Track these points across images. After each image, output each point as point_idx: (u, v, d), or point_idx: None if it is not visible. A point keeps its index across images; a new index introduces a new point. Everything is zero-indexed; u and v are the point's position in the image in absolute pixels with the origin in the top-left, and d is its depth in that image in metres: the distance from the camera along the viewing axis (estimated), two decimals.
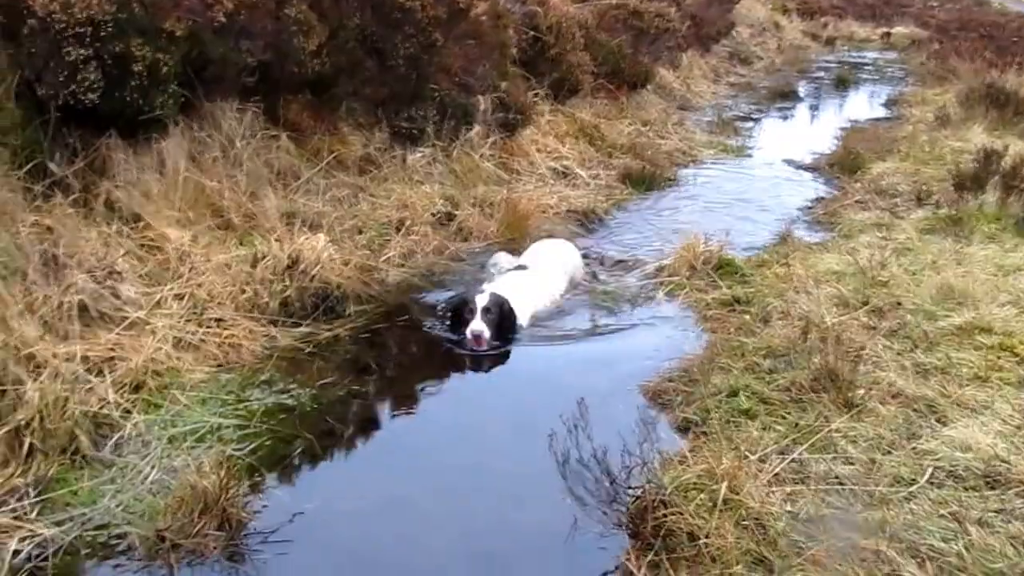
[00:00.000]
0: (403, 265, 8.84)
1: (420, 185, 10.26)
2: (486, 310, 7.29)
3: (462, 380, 7.20)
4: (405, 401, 6.57)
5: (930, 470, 5.39)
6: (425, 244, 9.21)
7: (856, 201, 11.81)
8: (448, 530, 5.20)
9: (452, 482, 5.71)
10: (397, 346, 7.53)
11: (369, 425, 6.32)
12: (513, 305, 7.56)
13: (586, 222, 10.98)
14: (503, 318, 7.40)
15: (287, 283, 7.60)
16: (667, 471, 5.26)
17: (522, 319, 7.72)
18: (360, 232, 9.04)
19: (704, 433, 5.96)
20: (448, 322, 7.66)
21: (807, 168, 14.43)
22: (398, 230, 9.26)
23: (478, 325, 7.20)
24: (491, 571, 4.86)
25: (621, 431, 5.39)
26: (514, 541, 5.12)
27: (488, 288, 7.71)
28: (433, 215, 9.65)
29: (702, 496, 5.06)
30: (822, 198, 12.60)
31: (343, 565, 4.89)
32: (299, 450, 5.86)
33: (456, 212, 9.85)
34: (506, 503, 5.43)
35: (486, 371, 7.30)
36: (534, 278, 8.28)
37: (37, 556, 4.72)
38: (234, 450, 5.66)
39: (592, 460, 4.95)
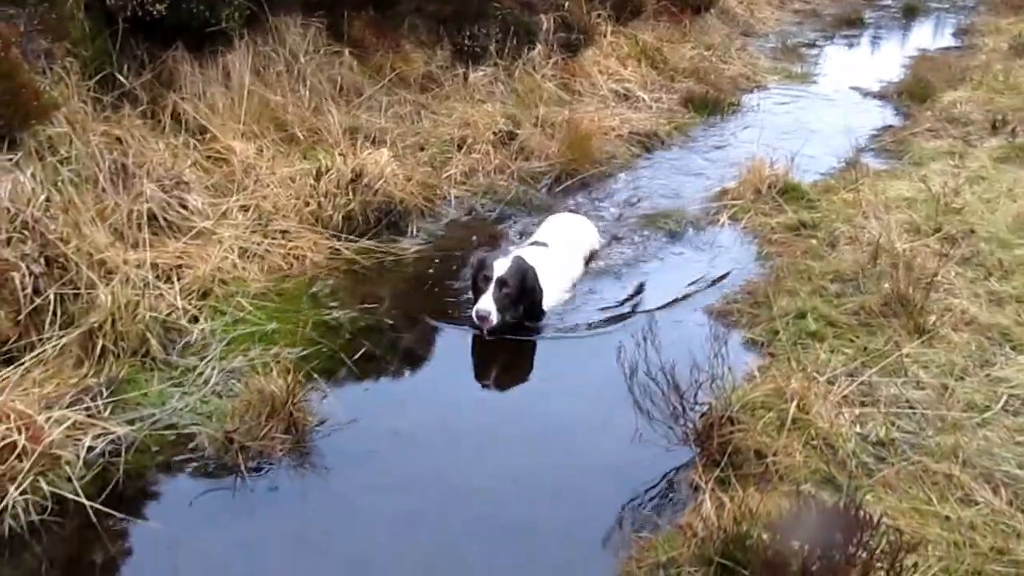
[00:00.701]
0: (464, 183, 8.79)
1: (481, 104, 10.16)
2: (501, 282, 6.02)
3: None
4: (467, 319, 6.53)
5: (1005, 397, 5.30)
6: (486, 163, 9.12)
7: (927, 129, 11.48)
8: (510, 447, 5.21)
9: (517, 397, 5.77)
10: (460, 263, 7.46)
11: (429, 342, 6.32)
12: (541, 281, 6.33)
13: (648, 145, 10.78)
14: (525, 292, 6.16)
15: (350, 197, 7.59)
16: (734, 390, 5.20)
17: (548, 301, 6.46)
18: (422, 149, 8.99)
19: (771, 354, 5.90)
20: (470, 287, 6.43)
21: (874, 96, 14.03)
22: (460, 148, 9.19)
23: (486, 304, 5.96)
24: (553, 485, 4.85)
25: (687, 349, 5.34)
26: (577, 455, 5.10)
27: (514, 252, 6.51)
28: (494, 134, 9.55)
29: (770, 415, 5.02)
30: (890, 126, 12.27)
31: (407, 481, 4.90)
32: (361, 363, 5.88)
33: (517, 132, 9.74)
34: (570, 418, 5.41)
35: None
36: (556, 257, 6.91)
37: (110, 453, 4.81)
38: (298, 358, 5.66)
39: (660, 375, 4.89)
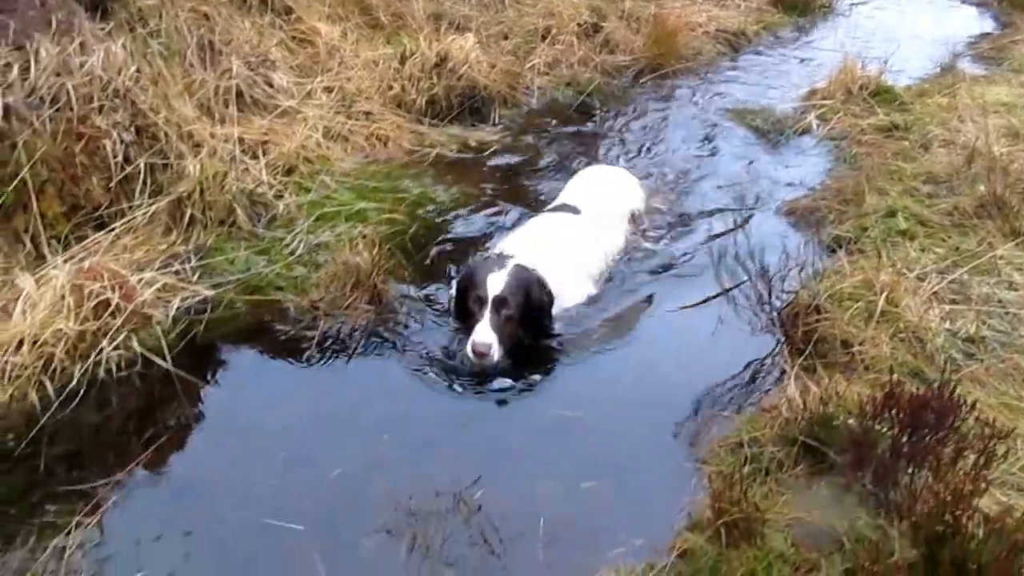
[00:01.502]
0: (547, 73, 8.66)
1: None
2: (499, 302, 4.59)
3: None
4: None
5: None
6: (570, 54, 8.96)
7: None
8: None
9: None
10: (539, 152, 7.39)
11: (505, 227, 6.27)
12: (553, 281, 4.90)
13: (734, 43, 10.50)
14: (530, 308, 4.75)
15: (434, 81, 7.55)
16: (821, 279, 5.13)
17: (569, 300, 5.09)
18: (506, 38, 8.85)
19: (859, 251, 5.77)
20: (454, 308, 4.98)
21: (973, 3, 13.50)
22: (543, 38, 9.04)
23: (483, 334, 4.53)
24: (636, 367, 4.85)
25: (774, 240, 5.26)
26: (658, 333, 5.08)
27: (510, 249, 5.08)
28: (579, 26, 9.35)
29: (857, 306, 4.92)
30: (989, 33, 11.80)
31: None
32: (439, 244, 5.90)
33: (603, 24, 9.53)
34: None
35: None
36: (586, 229, 5.52)
37: (196, 312, 4.93)
38: (384, 235, 5.67)
39: (748, 259, 4.83)
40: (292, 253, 5.49)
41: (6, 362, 4.22)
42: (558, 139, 7.66)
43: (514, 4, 9.45)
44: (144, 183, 5.59)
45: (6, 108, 5.17)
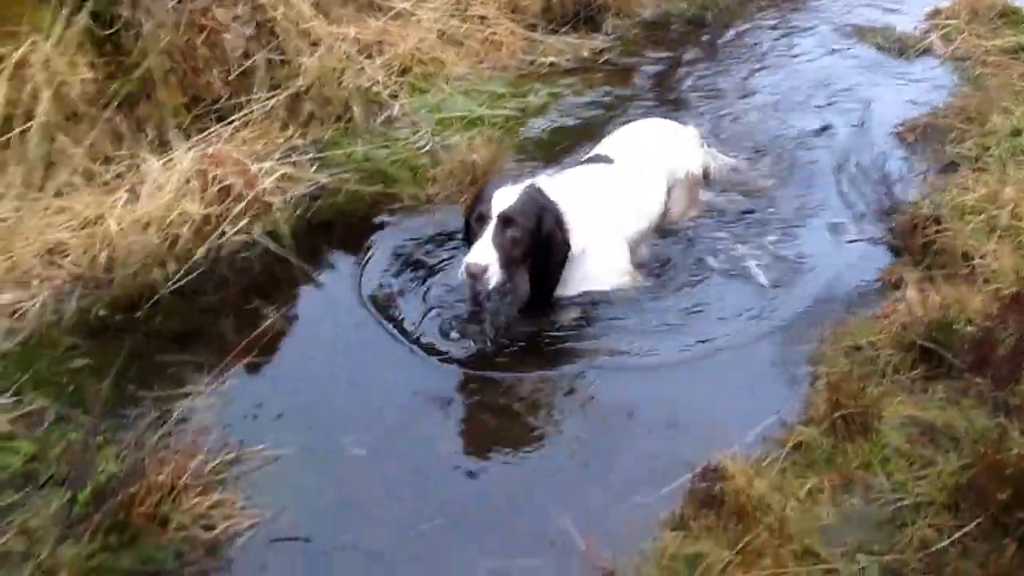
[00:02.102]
0: None
1: None
2: (505, 220, 3.98)
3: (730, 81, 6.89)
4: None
5: None
6: None
7: None
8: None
9: None
10: (654, 63, 7.22)
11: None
12: (577, 225, 4.22)
13: None
14: (539, 239, 4.07)
15: None
16: (942, 191, 4.92)
17: (595, 259, 4.35)
18: None
19: (981, 168, 5.50)
20: (463, 230, 4.36)
21: None
22: None
23: (481, 252, 3.91)
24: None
25: (893, 154, 5.07)
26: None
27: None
28: None
29: (979, 219, 4.70)
30: None
31: None
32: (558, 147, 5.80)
33: None
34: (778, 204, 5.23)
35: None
36: (620, 182, 4.73)
37: (313, 199, 4.99)
38: (498, 137, 5.61)
39: (870, 166, 4.65)
40: (409, 147, 5.47)
41: (134, 241, 4.27)
42: (669, 50, 7.46)
43: None
44: (262, 78, 5.60)
45: None
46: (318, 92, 5.61)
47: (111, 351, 3.83)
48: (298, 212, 4.85)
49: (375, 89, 5.95)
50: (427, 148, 5.47)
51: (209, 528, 3.01)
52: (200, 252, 4.37)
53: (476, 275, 3.85)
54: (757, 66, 7.29)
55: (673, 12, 8.23)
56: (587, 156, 5.12)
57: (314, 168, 5.18)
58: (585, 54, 7.17)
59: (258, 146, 5.25)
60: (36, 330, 3.96)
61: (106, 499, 2.92)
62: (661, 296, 4.42)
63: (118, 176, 4.79)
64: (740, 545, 2.82)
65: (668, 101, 6.46)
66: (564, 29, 7.35)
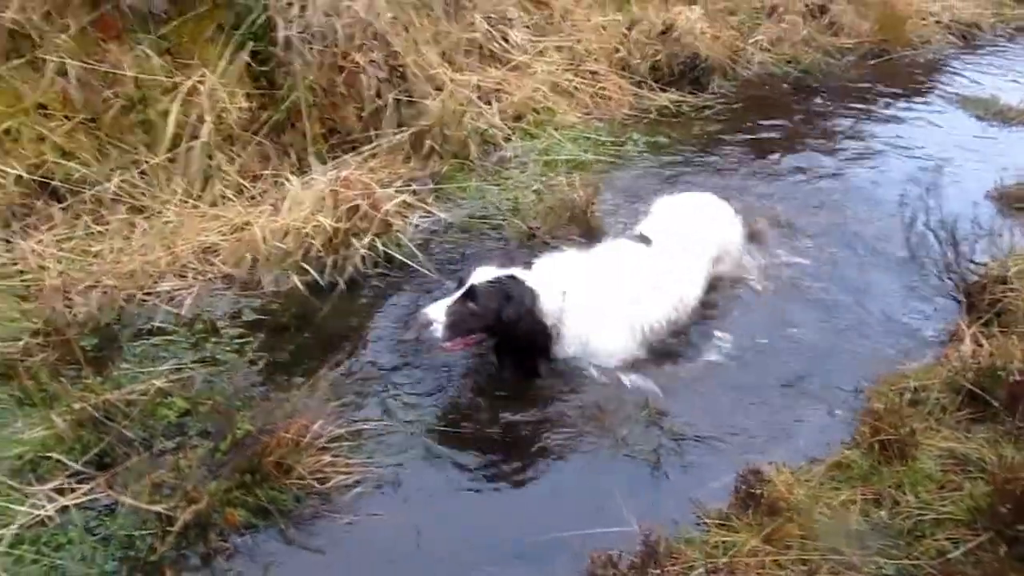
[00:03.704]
0: (769, 50, 8.91)
1: None
2: (470, 293, 4.22)
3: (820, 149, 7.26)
4: (759, 173, 6.77)
5: None
6: (794, 33, 9.17)
7: None
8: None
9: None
10: (753, 122, 7.69)
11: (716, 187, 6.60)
12: (577, 322, 4.41)
13: (967, 35, 10.41)
14: (506, 324, 4.25)
15: (658, 48, 7.97)
16: (1012, 256, 5.25)
17: (611, 344, 4.49)
18: (732, 14, 9.15)
19: None
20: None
21: None
22: (769, 16, 9.27)
23: (437, 310, 4.17)
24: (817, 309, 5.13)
25: (972, 216, 5.41)
26: (843, 291, 5.29)
27: (546, 267, 4.53)
28: (806, 6, 9.53)
29: None
30: None
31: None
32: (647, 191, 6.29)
33: (830, 6, 9.67)
34: (845, 258, 5.63)
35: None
36: (651, 268, 4.71)
37: (431, 230, 5.61)
38: (597, 179, 6.15)
39: (938, 226, 5.03)
40: (517, 185, 6.08)
41: (275, 248, 4.98)
42: (773, 112, 7.91)
43: None
44: (391, 116, 6.32)
45: (286, 40, 5.98)
46: (439, 131, 6.28)
47: (252, 336, 4.57)
48: (413, 234, 5.46)
49: (491, 131, 6.62)
50: (533, 187, 6.05)
51: (323, 480, 3.62)
52: (329, 262, 5.03)
53: (422, 324, 4.17)
54: (853, 127, 7.73)
55: (777, 74, 8.73)
56: (628, 234, 5.08)
57: (431, 198, 5.82)
58: (686, 110, 7.71)
59: (383, 174, 5.93)
60: (192, 314, 4.70)
61: (242, 448, 3.55)
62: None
63: (263, 192, 5.57)
64: (769, 534, 3.27)
65: (754, 163, 6.90)
66: (670, 88, 7.90)
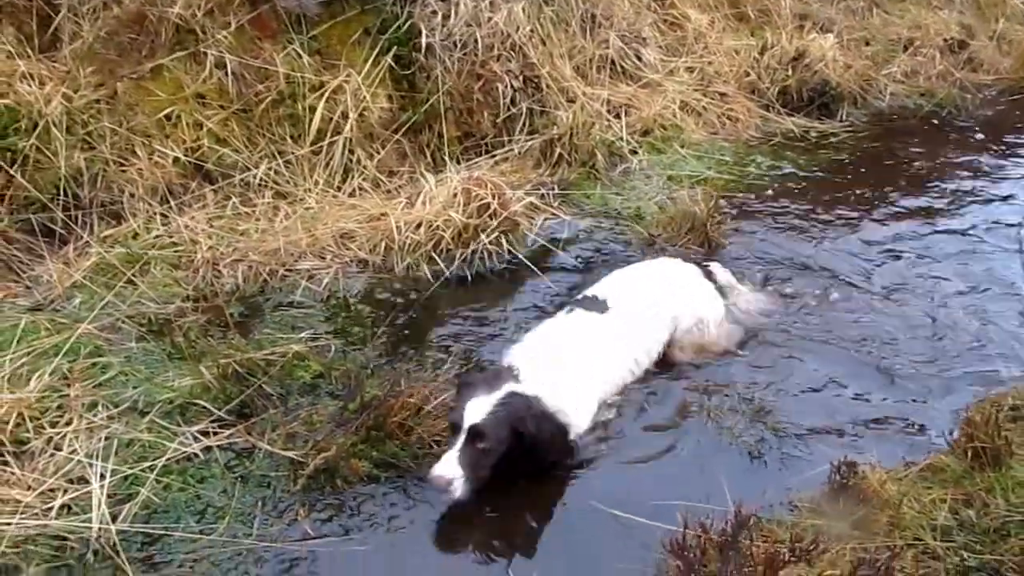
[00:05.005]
0: (903, 82, 8.88)
1: (937, 10, 10.05)
2: (475, 434, 3.74)
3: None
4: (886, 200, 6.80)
5: None
6: (930, 67, 9.12)
7: None
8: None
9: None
10: (881, 153, 7.68)
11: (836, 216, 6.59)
12: (563, 404, 4.02)
13: None
14: (520, 446, 3.82)
15: (788, 74, 8.05)
16: None
17: (581, 421, 4.17)
18: (867, 44, 9.16)
19: None
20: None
21: None
22: (905, 49, 9.25)
23: (446, 467, 3.67)
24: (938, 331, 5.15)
25: None
26: (960, 311, 5.31)
27: (515, 362, 4.13)
28: (944, 41, 9.47)
29: None
30: None
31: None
32: (780, 209, 6.47)
33: (969, 42, 9.60)
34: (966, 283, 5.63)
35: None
36: (608, 335, 4.50)
37: (556, 233, 5.85)
38: (717, 194, 6.30)
39: None
40: (641, 196, 6.28)
41: (408, 238, 5.30)
42: (902, 143, 7.90)
43: (881, 13, 9.73)
44: (523, 123, 6.63)
45: (428, 46, 6.34)
46: (569, 140, 6.52)
47: (382, 315, 4.91)
48: (538, 235, 5.71)
49: (618, 144, 6.82)
50: (656, 198, 6.24)
51: (439, 444, 3.88)
52: (458, 256, 5.32)
53: (440, 487, 3.68)
54: (981, 163, 7.64)
55: (910, 106, 8.68)
56: (580, 296, 4.79)
57: (557, 203, 6.07)
58: (813, 136, 7.77)
59: (513, 178, 6.21)
60: (328, 291, 5.06)
61: (369, 409, 3.84)
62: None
63: (399, 187, 5.91)
64: (857, 521, 3.39)
65: (871, 198, 6.83)
66: (797, 113, 7.99)
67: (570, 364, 4.23)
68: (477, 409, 3.75)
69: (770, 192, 6.71)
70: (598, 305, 4.59)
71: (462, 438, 3.71)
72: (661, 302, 4.73)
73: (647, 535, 3.45)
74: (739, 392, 4.44)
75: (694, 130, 7.43)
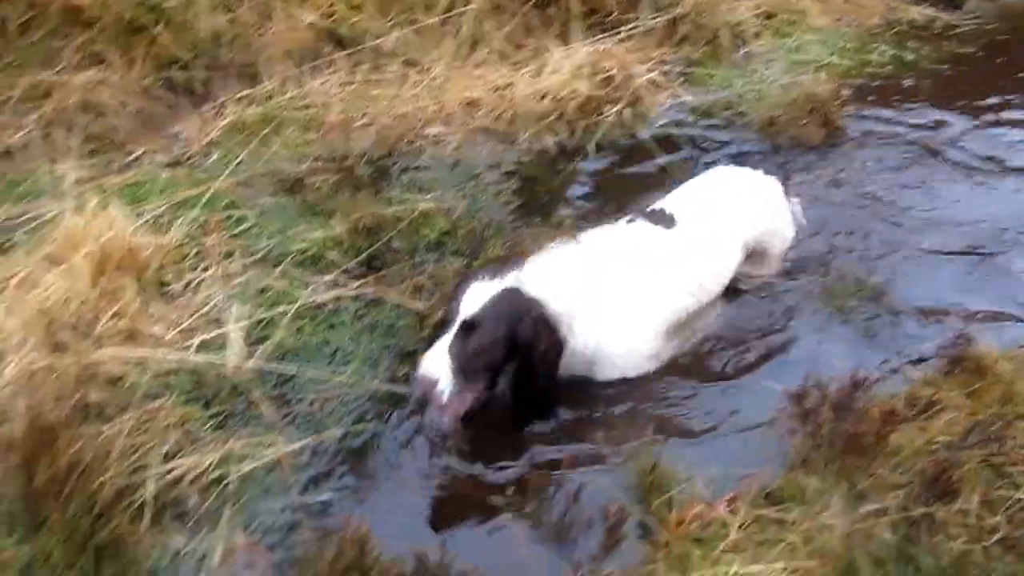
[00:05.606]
0: None
1: None
2: (469, 327, 3.41)
3: None
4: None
5: None
6: None
7: None
8: None
9: None
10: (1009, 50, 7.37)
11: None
12: (588, 327, 3.68)
13: None
14: (514, 349, 3.48)
15: None
16: None
17: (625, 346, 3.78)
18: None
19: None
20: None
21: None
22: None
23: (434, 361, 3.35)
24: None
25: None
26: None
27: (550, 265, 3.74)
28: None
29: None
30: None
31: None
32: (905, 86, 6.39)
33: None
34: None
35: None
36: (672, 255, 4.01)
37: (676, 114, 5.89)
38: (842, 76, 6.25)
39: None
40: (762, 79, 6.25)
41: (532, 107, 5.42)
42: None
43: None
44: (650, 1, 6.61)
45: None
46: (694, 19, 6.53)
47: (506, 181, 5.11)
48: (660, 113, 5.78)
49: (742, 26, 6.76)
50: (778, 81, 6.20)
51: None
52: (580, 128, 5.42)
53: (426, 390, 3.33)
54: None
55: None
56: (649, 210, 4.25)
57: (678, 82, 6.10)
58: (938, 27, 7.53)
59: (637, 55, 6.23)
60: (454, 158, 5.25)
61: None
62: None
63: (526, 59, 5.97)
64: (971, 391, 3.47)
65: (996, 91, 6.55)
66: (923, 2, 7.74)
67: (618, 284, 3.80)
68: (473, 300, 3.43)
69: (892, 80, 6.57)
70: (665, 219, 4.10)
71: (454, 330, 3.39)
72: (736, 224, 4.26)
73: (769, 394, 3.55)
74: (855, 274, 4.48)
75: (818, 16, 7.28)
